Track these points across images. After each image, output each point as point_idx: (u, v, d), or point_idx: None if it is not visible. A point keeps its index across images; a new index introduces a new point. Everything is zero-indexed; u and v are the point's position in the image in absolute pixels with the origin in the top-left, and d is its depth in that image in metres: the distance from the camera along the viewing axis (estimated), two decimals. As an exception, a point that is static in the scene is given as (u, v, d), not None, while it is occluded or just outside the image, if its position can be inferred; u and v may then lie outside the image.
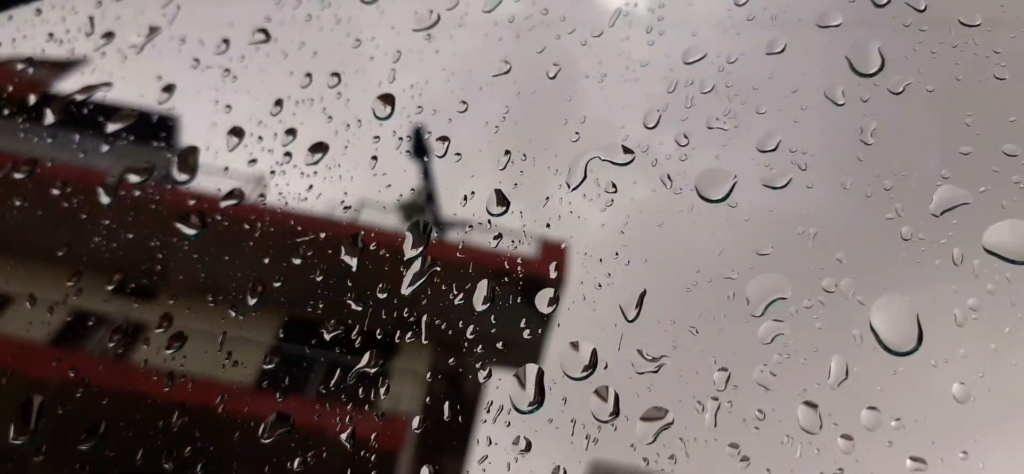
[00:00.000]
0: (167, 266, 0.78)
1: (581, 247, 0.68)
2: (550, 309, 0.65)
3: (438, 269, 0.70)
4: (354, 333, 0.68)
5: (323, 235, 0.75)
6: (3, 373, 0.74)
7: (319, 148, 0.80)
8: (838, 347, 0.58)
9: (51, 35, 1.01)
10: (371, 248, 0.72)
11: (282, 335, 0.71)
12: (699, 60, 0.74)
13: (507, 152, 0.74)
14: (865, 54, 0.69)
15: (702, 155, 0.69)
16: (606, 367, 0.61)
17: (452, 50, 0.84)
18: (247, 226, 0.77)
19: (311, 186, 0.78)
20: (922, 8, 0.70)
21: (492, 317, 0.66)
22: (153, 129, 0.89)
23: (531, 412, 0.61)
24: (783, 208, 0.64)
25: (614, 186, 0.70)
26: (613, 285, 0.65)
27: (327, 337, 0.68)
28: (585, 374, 0.61)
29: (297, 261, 0.73)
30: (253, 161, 0.81)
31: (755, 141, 0.68)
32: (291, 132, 0.82)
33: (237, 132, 0.84)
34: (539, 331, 0.65)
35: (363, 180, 0.77)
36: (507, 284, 0.68)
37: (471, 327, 0.66)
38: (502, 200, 0.72)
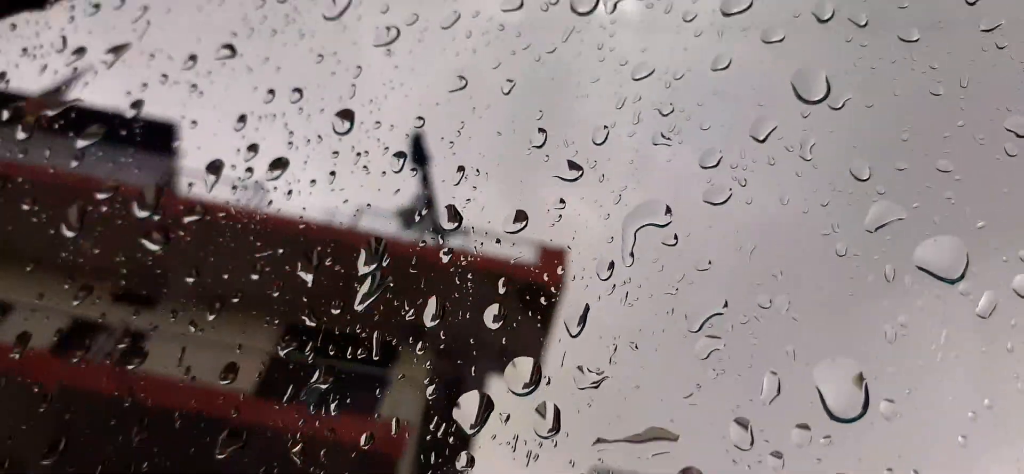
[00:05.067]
0: (131, 279, 0.79)
1: (527, 262, 0.69)
2: (497, 325, 0.66)
3: (391, 283, 0.71)
4: (308, 347, 0.70)
5: (281, 251, 0.76)
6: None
7: (279, 164, 0.82)
8: (771, 363, 0.59)
9: (25, 50, 1.03)
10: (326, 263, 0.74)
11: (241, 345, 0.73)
12: (647, 76, 0.75)
13: (461, 168, 0.76)
14: (808, 81, 0.69)
15: (648, 171, 0.70)
16: (548, 382, 0.63)
17: (411, 65, 0.85)
18: (208, 240, 0.79)
19: (271, 201, 0.79)
20: (863, 23, 0.71)
21: (441, 332, 0.67)
22: (122, 142, 0.90)
23: (474, 434, 0.62)
24: (723, 223, 0.65)
25: (562, 201, 0.71)
26: (557, 300, 0.66)
27: (282, 354, 0.70)
28: (527, 390, 0.63)
29: (255, 277, 0.75)
30: (215, 174, 0.83)
31: (698, 157, 0.69)
32: (253, 148, 0.83)
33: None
34: (488, 344, 0.66)
35: (321, 195, 0.78)
36: (457, 300, 0.69)
37: (420, 342, 0.67)
38: (454, 215, 0.73)
